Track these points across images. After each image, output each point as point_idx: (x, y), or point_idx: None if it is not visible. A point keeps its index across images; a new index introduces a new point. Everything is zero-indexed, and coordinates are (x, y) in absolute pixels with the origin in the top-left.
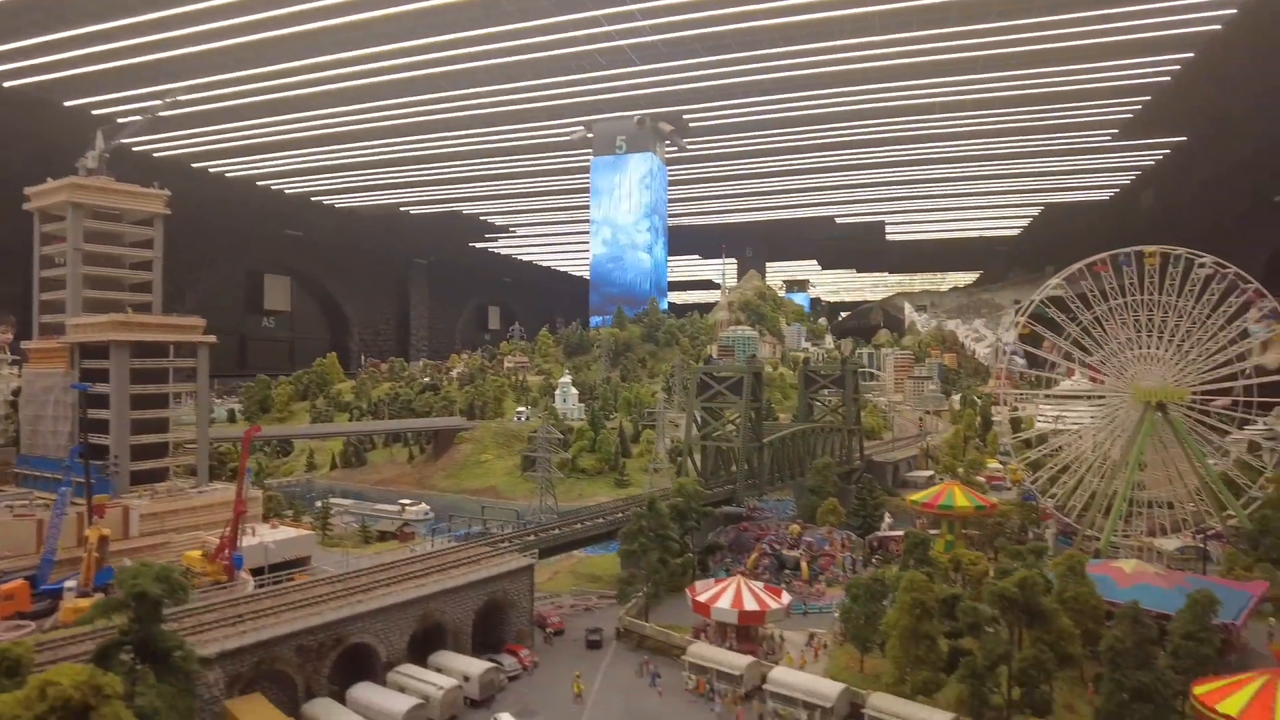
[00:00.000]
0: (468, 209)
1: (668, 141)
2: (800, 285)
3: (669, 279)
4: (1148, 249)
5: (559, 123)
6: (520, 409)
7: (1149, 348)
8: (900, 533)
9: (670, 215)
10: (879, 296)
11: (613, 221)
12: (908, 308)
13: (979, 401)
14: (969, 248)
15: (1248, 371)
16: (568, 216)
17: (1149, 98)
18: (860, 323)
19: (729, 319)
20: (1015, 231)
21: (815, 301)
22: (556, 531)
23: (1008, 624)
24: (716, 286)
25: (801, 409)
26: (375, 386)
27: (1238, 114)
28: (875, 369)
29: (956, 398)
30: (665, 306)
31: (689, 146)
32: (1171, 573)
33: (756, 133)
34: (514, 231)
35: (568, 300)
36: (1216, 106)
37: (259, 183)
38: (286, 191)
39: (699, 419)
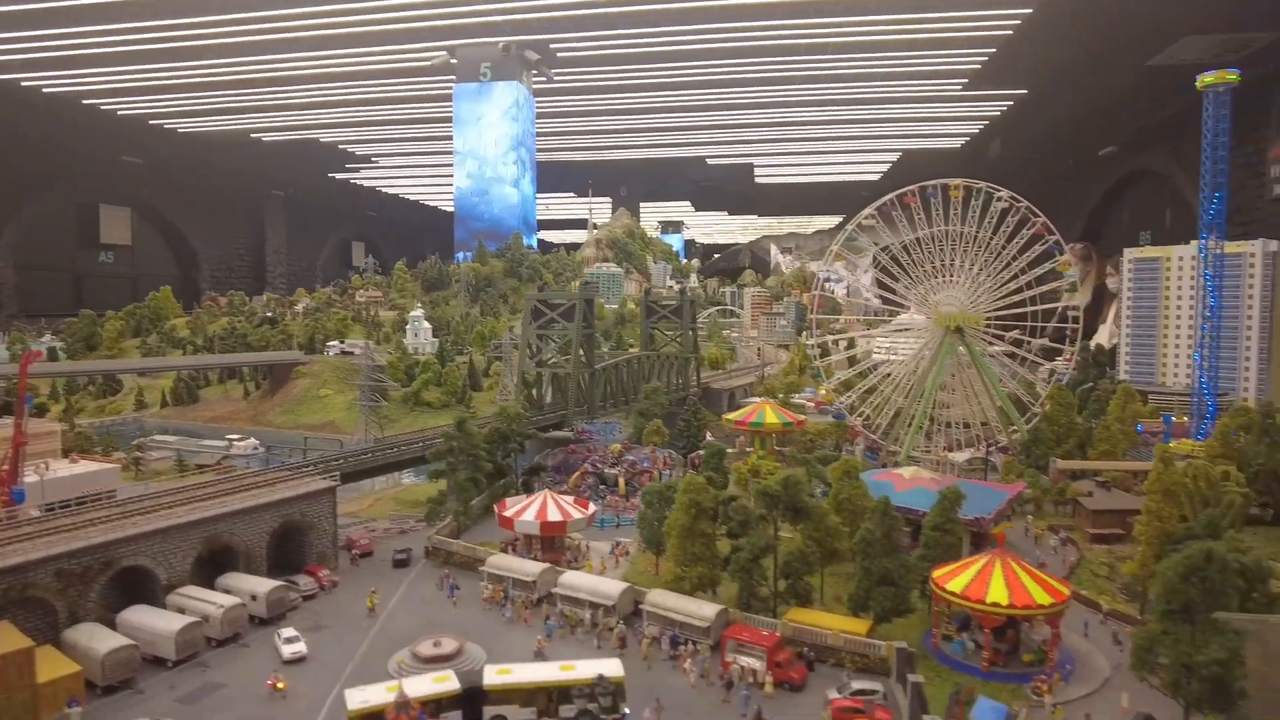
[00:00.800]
0: (325, 137)
1: (535, 71)
2: (675, 226)
3: (542, 216)
4: (953, 182)
5: (420, 46)
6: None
7: (951, 276)
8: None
9: (540, 150)
10: (749, 239)
11: (477, 153)
12: (774, 249)
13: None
14: (833, 192)
15: (1037, 299)
16: (432, 148)
17: (994, 50)
18: (730, 264)
19: (596, 256)
20: (876, 177)
21: (690, 243)
22: (367, 456)
23: (773, 520)
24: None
25: (643, 338)
26: (212, 321)
27: (1072, 71)
28: (737, 307)
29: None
30: (534, 243)
31: (557, 78)
32: (945, 478)
33: (625, 67)
34: (377, 163)
35: (438, 236)
36: (1053, 62)
37: (85, 101)
38: (120, 112)
39: (532, 346)
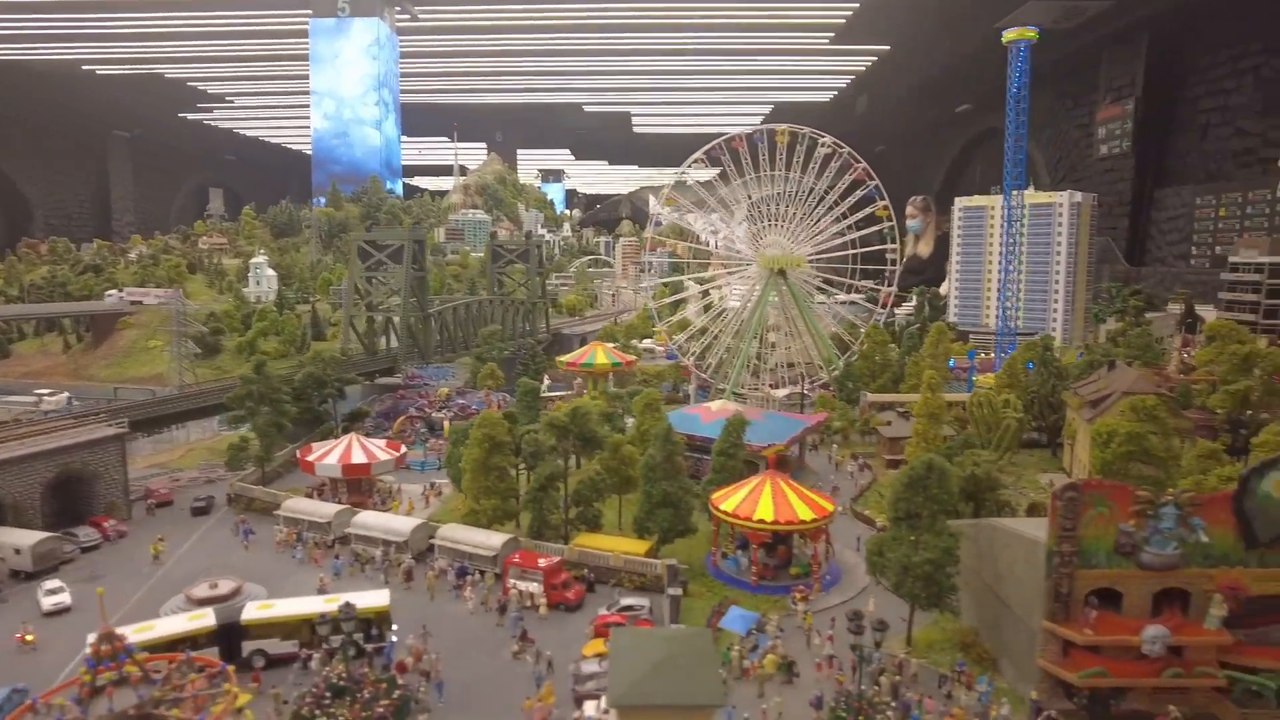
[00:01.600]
0: (171, 72)
1: (398, 8)
2: (556, 175)
3: (413, 162)
4: (779, 127)
5: None
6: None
7: (779, 222)
8: (559, 393)
9: (407, 92)
10: (629, 190)
11: (336, 93)
12: (652, 201)
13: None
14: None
15: (857, 243)
16: (291, 87)
17: (858, 5)
18: (610, 214)
19: (464, 202)
20: (749, 129)
21: (573, 193)
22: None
23: (564, 450)
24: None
25: (491, 283)
26: (30, 270)
27: (929, 30)
28: (611, 257)
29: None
30: (397, 189)
31: (422, 16)
32: (750, 409)
33: (493, 6)
34: (232, 103)
35: (301, 181)
36: (913, 21)
37: None
38: None
39: (360, 289)
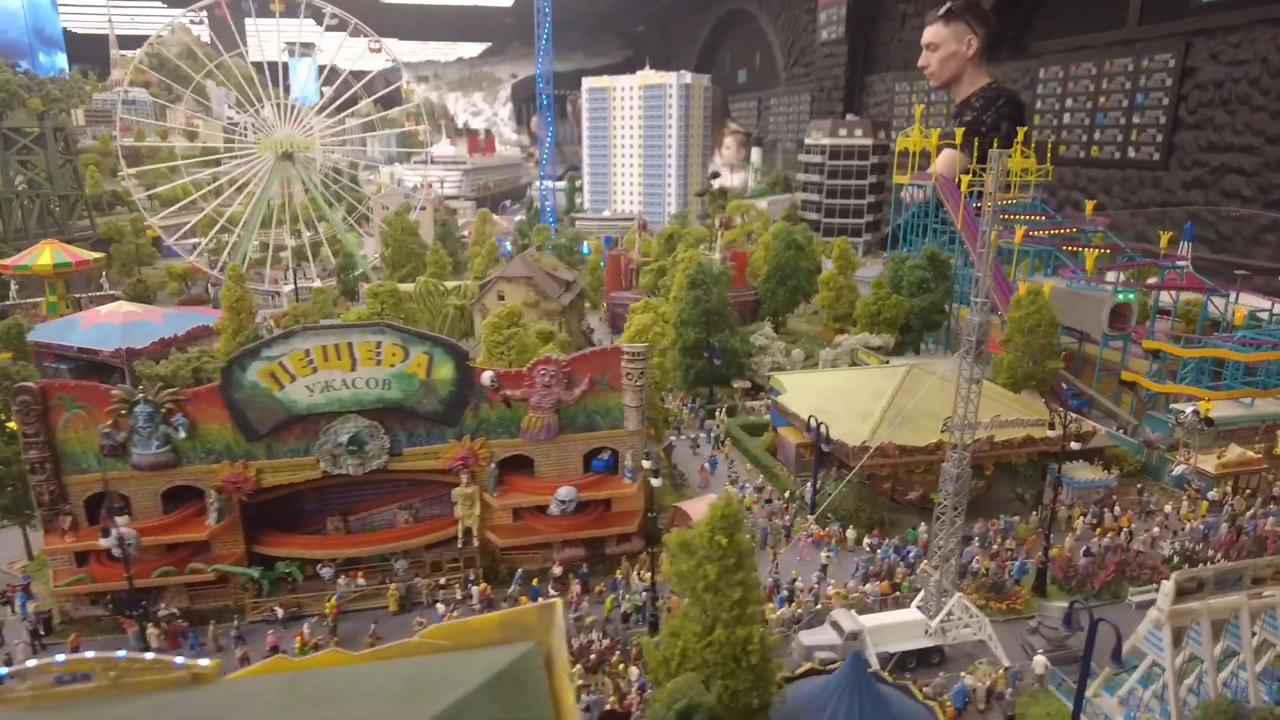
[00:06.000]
0: None
1: None
2: (306, 49)
3: (96, 31)
4: None
5: None
6: None
7: (285, 103)
8: None
9: None
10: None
11: None
12: (404, 76)
13: None
14: (471, 17)
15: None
16: None
17: None
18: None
19: (126, 79)
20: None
21: (331, 69)
22: None
23: None
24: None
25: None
26: None
27: None
28: None
29: None
30: (61, 64)
31: None
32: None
33: None
34: None
35: None
36: None
37: None
38: None
39: None
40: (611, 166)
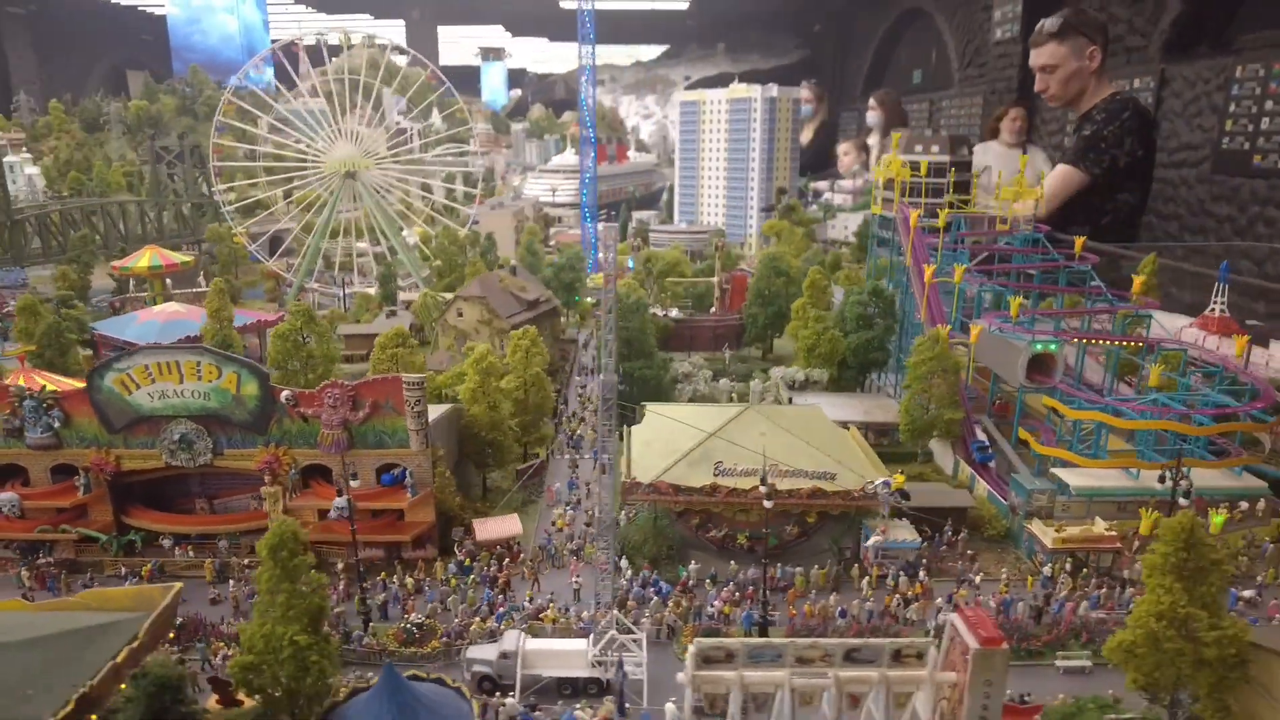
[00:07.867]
0: None
1: None
2: (496, 54)
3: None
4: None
5: None
6: None
7: (347, 125)
8: None
9: None
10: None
11: None
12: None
13: None
14: (649, 21)
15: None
16: None
17: None
18: (545, 97)
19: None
20: (685, 4)
21: (522, 73)
22: None
23: None
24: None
25: (155, 184)
26: None
27: None
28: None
29: None
30: (269, 80)
31: None
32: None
33: None
34: None
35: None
36: None
37: None
38: None
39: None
40: (699, 179)
